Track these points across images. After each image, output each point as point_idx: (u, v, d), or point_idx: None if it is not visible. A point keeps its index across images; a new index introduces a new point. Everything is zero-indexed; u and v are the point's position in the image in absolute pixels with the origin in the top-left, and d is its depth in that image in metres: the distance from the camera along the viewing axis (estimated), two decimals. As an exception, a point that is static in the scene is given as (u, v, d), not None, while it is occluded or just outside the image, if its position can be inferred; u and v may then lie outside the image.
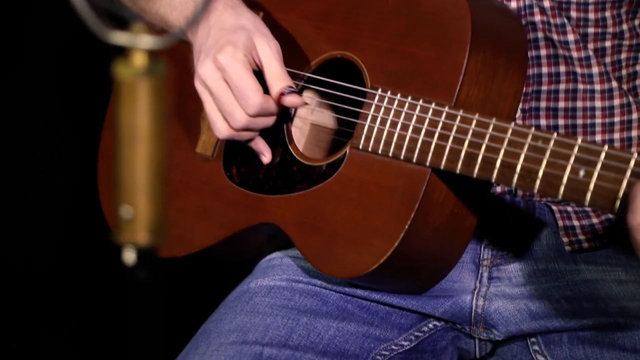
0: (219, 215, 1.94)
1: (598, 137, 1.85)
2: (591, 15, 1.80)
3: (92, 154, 2.19)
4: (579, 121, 1.84)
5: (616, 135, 1.85)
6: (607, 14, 1.81)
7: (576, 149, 1.56)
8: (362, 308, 1.89)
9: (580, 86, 1.84)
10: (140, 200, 1.18)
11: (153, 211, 1.19)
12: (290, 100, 1.83)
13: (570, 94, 1.84)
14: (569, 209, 1.86)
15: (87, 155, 2.25)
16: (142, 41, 1.18)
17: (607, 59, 1.83)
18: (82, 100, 2.77)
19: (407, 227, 1.71)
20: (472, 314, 1.88)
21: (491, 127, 1.65)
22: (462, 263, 1.87)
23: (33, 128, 2.78)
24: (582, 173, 1.55)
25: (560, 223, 1.87)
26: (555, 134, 1.59)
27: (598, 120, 1.84)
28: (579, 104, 1.84)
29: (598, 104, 1.84)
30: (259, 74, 1.83)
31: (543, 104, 1.85)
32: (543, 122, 1.86)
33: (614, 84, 1.83)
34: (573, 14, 1.81)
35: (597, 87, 1.83)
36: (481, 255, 1.90)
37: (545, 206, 1.89)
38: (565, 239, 1.87)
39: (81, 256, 2.79)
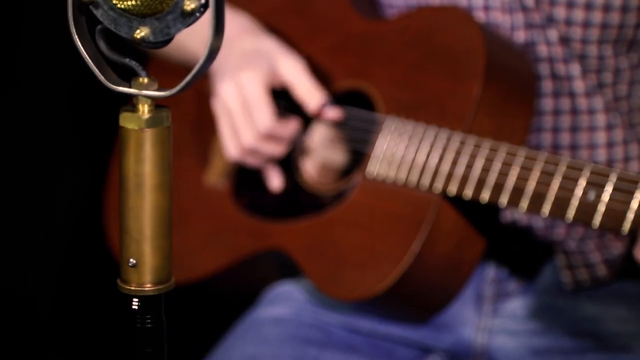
0: (224, 242, 1.96)
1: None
2: (593, 50, 1.81)
3: (98, 186, 2.20)
4: (583, 156, 1.85)
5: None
6: (610, 51, 1.82)
7: (588, 172, 1.59)
8: (367, 344, 1.90)
9: (584, 122, 1.84)
10: (146, 249, 1.19)
11: (159, 260, 1.20)
12: (332, 114, 1.85)
13: (574, 130, 1.84)
14: (572, 246, 1.87)
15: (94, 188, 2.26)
16: (149, 91, 1.19)
17: (608, 93, 1.84)
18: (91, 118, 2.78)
19: (413, 253, 1.73)
20: (475, 349, 1.89)
21: (504, 151, 1.67)
22: (466, 296, 1.87)
23: (38, 140, 2.79)
24: (592, 195, 1.57)
25: (562, 262, 1.88)
26: (567, 158, 1.62)
27: (601, 159, 1.85)
28: (582, 140, 1.85)
29: (601, 140, 1.84)
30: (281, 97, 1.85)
31: (545, 141, 1.85)
32: None
33: (617, 119, 1.84)
34: (575, 46, 1.82)
35: (600, 122, 1.84)
36: (484, 290, 1.90)
37: (548, 243, 1.90)
38: (566, 279, 1.88)
39: (85, 302, 2.79)
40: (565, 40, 1.80)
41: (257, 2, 1.95)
